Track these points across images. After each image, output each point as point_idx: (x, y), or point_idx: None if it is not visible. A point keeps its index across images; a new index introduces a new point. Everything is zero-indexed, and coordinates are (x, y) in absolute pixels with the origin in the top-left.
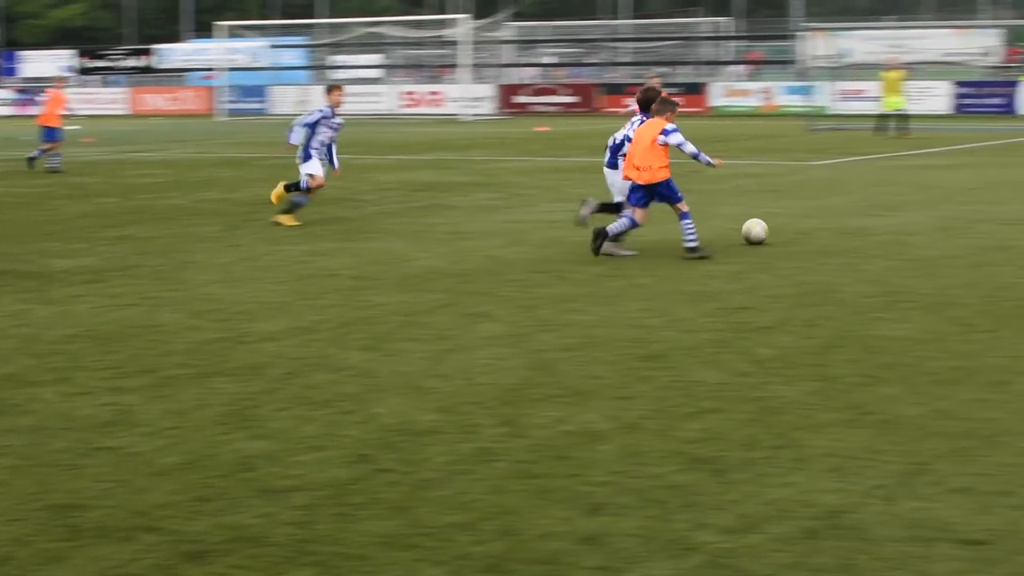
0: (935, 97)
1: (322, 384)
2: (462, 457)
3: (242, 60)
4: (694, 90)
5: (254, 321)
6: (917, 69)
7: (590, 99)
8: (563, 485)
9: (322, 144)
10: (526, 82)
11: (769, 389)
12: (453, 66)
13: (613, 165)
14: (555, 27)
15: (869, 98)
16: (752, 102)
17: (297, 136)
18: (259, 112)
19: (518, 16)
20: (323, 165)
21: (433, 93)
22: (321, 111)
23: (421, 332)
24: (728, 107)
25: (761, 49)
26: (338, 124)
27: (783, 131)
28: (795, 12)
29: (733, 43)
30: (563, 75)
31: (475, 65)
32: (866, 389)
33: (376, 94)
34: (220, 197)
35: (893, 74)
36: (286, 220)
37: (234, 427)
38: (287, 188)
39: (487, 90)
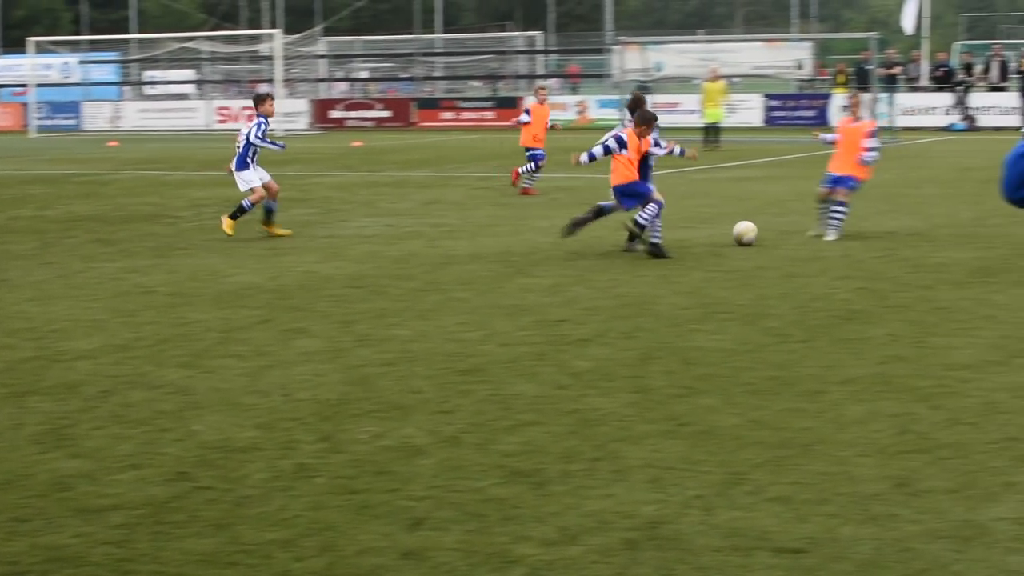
0: (748, 110)
1: (139, 402)
2: (281, 473)
3: (54, 76)
4: (509, 104)
5: (69, 339)
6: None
7: (405, 114)
8: (383, 500)
9: (255, 152)
10: (341, 97)
11: (587, 401)
12: (267, 81)
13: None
14: (369, 41)
15: (683, 111)
16: (567, 115)
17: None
18: (72, 128)
19: (331, 31)
20: (257, 171)
21: (248, 108)
22: (259, 123)
23: (239, 348)
24: None
25: (575, 63)
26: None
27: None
28: (608, 26)
29: (547, 57)
30: (377, 90)
31: (289, 80)
32: (683, 400)
33: (191, 109)
34: (33, 214)
35: (715, 86)
36: (277, 231)
37: (50, 446)
38: (232, 217)
39: (302, 105)
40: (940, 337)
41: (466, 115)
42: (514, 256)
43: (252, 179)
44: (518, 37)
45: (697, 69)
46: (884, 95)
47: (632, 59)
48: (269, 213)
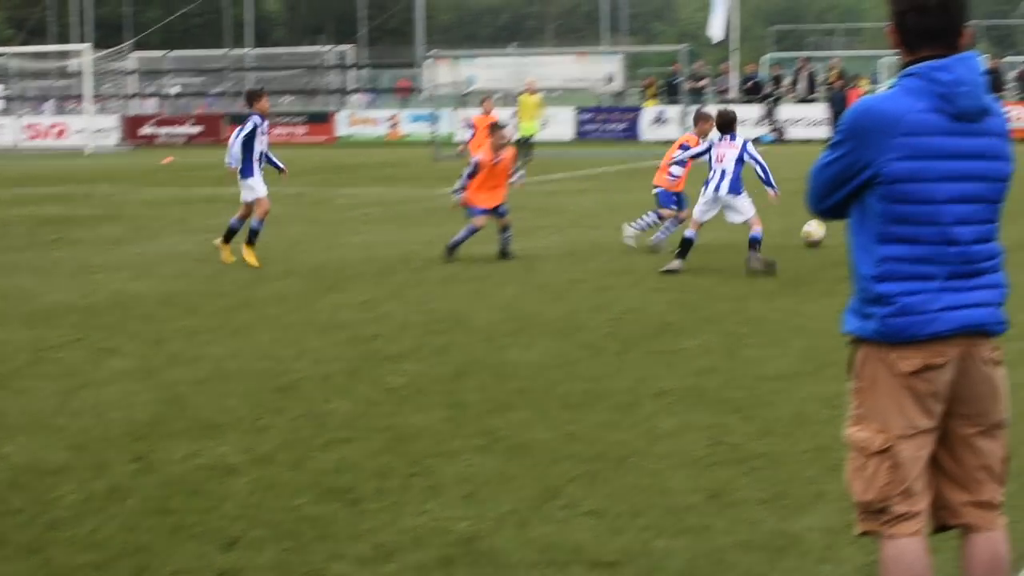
0: (559, 124)
1: None
2: (93, 495)
3: None
4: (321, 119)
5: None
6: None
7: (217, 129)
8: (197, 520)
9: (261, 155)
10: (151, 113)
11: (401, 417)
12: (77, 97)
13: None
14: (179, 57)
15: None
16: (379, 131)
17: (236, 157)
18: None
19: (141, 46)
20: (265, 182)
21: (56, 125)
22: (253, 121)
23: (50, 369)
24: (355, 136)
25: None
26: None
27: (410, 159)
28: (419, 40)
29: (359, 71)
30: (188, 105)
31: (98, 96)
32: (497, 415)
33: None
34: None
35: (531, 99)
36: (250, 257)
37: None
38: (250, 243)
39: (112, 121)
40: (752, 348)
41: (278, 130)
42: (327, 272)
43: (259, 188)
44: (329, 52)
45: (510, 83)
46: (694, 107)
47: (444, 73)
48: (254, 234)
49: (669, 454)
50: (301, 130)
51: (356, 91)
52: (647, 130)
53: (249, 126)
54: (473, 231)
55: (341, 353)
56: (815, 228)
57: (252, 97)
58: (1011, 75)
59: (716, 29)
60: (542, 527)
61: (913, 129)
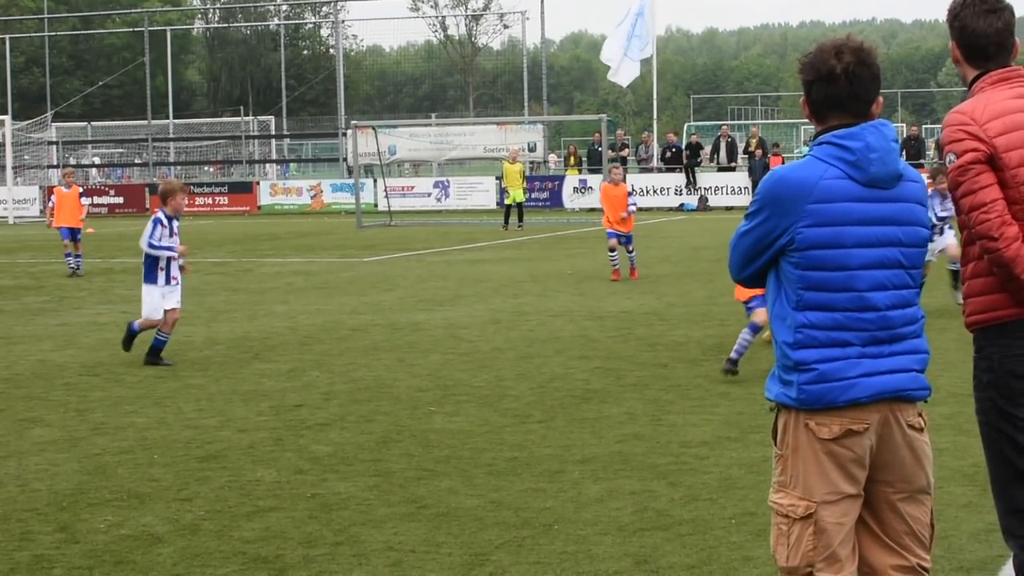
0: (482, 192)
1: None
2: (17, 566)
3: None
4: (244, 189)
5: None
6: (465, 165)
7: (139, 200)
8: None
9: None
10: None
11: (327, 486)
12: None
13: None
14: (100, 127)
15: (417, 194)
16: (302, 200)
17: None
18: None
19: (62, 116)
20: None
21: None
22: (154, 223)
23: None
24: (278, 205)
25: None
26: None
27: (333, 228)
28: (341, 111)
29: (280, 142)
30: (109, 176)
31: (19, 167)
32: (423, 482)
33: None
34: None
35: (514, 167)
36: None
37: None
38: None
39: (32, 192)
40: (677, 415)
41: (200, 200)
42: (250, 341)
43: (153, 301)
44: (251, 122)
45: (430, 152)
46: None
47: (365, 143)
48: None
49: (595, 520)
50: (223, 200)
51: (279, 161)
52: (570, 199)
53: (157, 228)
54: None
55: (266, 422)
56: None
57: (163, 194)
58: (931, 142)
59: (620, 76)
60: None
61: (825, 196)
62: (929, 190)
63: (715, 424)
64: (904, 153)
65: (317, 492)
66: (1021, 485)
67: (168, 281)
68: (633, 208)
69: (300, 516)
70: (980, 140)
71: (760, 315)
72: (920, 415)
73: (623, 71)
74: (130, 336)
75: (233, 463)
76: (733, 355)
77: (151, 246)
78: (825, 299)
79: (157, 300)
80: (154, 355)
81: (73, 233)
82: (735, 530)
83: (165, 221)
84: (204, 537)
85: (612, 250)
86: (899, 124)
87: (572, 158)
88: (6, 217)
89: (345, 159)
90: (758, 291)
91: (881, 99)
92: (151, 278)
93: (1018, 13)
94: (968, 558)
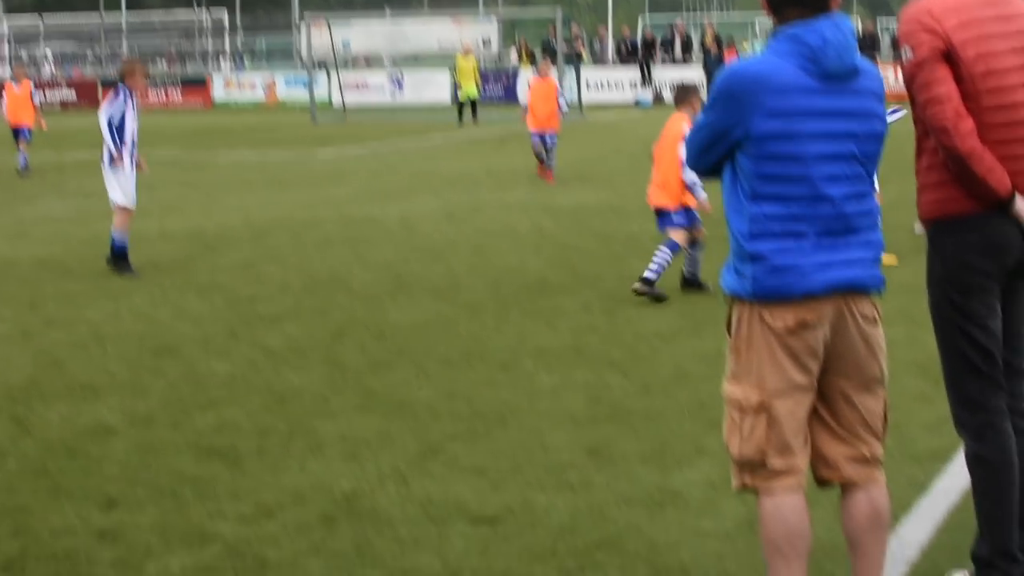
0: (436, 87)
1: None
2: None
3: None
4: (197, 83)
5: None
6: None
7: (92, 95)
8: (76, 481)
9: (132, 141)
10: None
11: (281, 378)
12: None
13: None
14: (53, 25)
15: (372, 89)
16: (256, 95)
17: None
18: None
19: (13, 10)
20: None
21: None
22: (121, 94)
23: None
24: (231, 100)
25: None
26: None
27: (287, 123)
28: (295, 4)
29: (234, 36)
30: (61, 71)
31: None
32: (377, 375)
33: None
34: None
35: (467, 62)
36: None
37: None
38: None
39: None
40: (631, 307)
41: (154, 95)
42: (204, 235)
43: (124, 189)
44: (204, 16)
45: (385, 47)
46: (570, 70)
47: (319, 37)
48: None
49: (549, 411)
50: (176, 95)
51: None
52: (524, 94)
53: (119, 102)
54: None
55: (220, 315)
56: None
57: (130, 70)
58: (886, 38)
59: None
60: (423, 484)
61: (781, 89)
62: None
63: (669, 316)
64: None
65: (271, 384)
66: (973, 376)
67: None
68: (564, 107)
69: (254, 408)
70: (936, 34)
71: (679, 234)
72: (874, 307)
73: None
74: (121, 254)
75: (187, 356)
76: (649, 274)
77: (109, 125)
78: (780, 191)
79: (128, 183)
80: (121, 259)
81: (21, 132)
82: (688, 421)
83: (127, 93)
84: (158, 429)
85: (539, 155)
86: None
87: (524, 52)
88: None
89: (299, 53)
90: (670, 203)
91: None
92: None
93: None
94: (920, 448)
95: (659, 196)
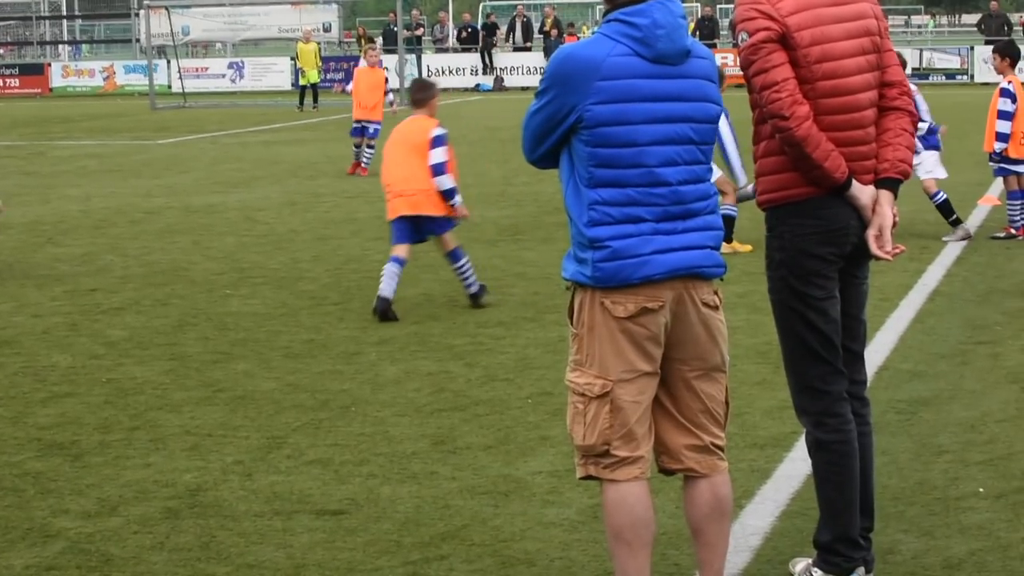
0: (277, 74)
1: None
2: None
3: None
4: (35, 71)
5: None
6: (260, 45)
7: None
8: None
9: None
10: None
11: (122, 371)
12: None
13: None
14: None
15: (211, 75)
16: (94, 82)
17: None
18: None
19: None
20: None
21: None
22: None
23: None
24: (70, 87)
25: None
26: None
27: (126, 110)
28: None
29: (72, 22)
30: None
31: None
32: (220, 366)
33: None
34: None
35: (308, 47)
36: None
37: None
38: None
39: None
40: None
41: None
42: (44, 225)
43: None
44: (41, 2)
45: (224, 33)
46: (411, 56)
47: (159, 23)
48: None
49: (393, 402)
50: (14, 82)
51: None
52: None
53: None
54: None
55: (60, 307)
56: None
57: None
58: (725, 23)
59: None
60: (267, 477)
61: (613, 73)
62: None
63: (511, 304)
64: (698, 33)
65: (112, 377)
66: (813, 362)
67: None
68: (392, 102)
69: (96, 401)
70: (772, 19)
71: (401, 250)
72: (715, 293)
73: None
74: None
75: (27, 348)
76: (384, 292)
77: None
78: (616, 176)
79: None
80: None
81: None
82: (532, 410)
83: None
84: None
85: (357, 146)
86: (694, 3)
87: (362, 39)
88: None
89: (138, 40)
90: (440, 210)
91: None
92: None
93: None
94: (761, 435)
95: (428, 205)
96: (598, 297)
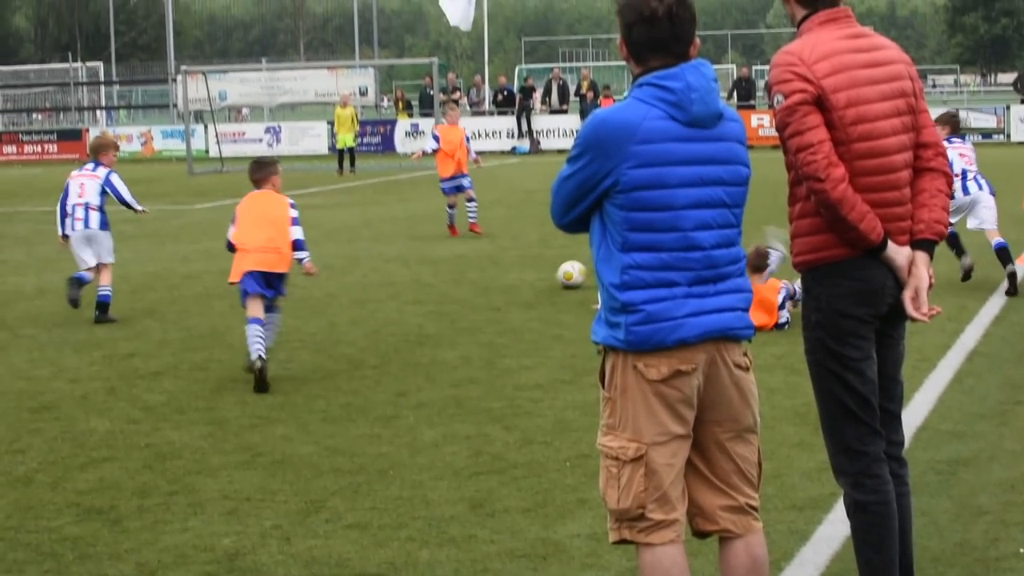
0: (314, 137)
1: None
2: None
3: None
4: (73, 136)
5: None
6: (297, 110)
7: None
8: None
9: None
10: None
11: (160, 435)
12: None
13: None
14: None
15: (249, 140)
16: (132, 147)
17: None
18: None
19: None
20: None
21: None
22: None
23: None
24: None
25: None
26: None
27: (164, 175)
28: (170, 56)
29: (110, 88)
30: None
31: None
32: (258, 430)
33: None
34: None
35: (345, 112)
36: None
37: None
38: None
39: None
40: (511, 359)
41: (28, 148)
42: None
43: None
44: (80, 68)
45: (262, 97)
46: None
47: (195, 89)
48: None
49: (431, 465)
50: (52, 148)
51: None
52: (402, 143)
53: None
54: None
55: (98, 372)
56: (576, 271)
57: (104, 147)
58: (761, 84)
59: (457, 18)
60: (305, 541)
61: (648, 137)
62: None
63: (549, 367)
64: (735, 95)
65: (151, 441)
66: (850, 423)
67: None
68: (475, 159)
69: (134, 466)
70: (808, 81)
71: (255, 308)
72: (745, 354)
73: (462, 14)
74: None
75: (66, 414)
76: (253, 355)
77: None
78: (651, 240)
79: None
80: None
81: None
82: (570, 473)
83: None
84: (37, 489)
85: (451, 206)
86: (729, 66)
87: (400, 103)
88: None
89: (175, 105)
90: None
91: (697, 40)
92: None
93: None
94: (800, 496)
95: (279, 263)
96: (631, 360)
